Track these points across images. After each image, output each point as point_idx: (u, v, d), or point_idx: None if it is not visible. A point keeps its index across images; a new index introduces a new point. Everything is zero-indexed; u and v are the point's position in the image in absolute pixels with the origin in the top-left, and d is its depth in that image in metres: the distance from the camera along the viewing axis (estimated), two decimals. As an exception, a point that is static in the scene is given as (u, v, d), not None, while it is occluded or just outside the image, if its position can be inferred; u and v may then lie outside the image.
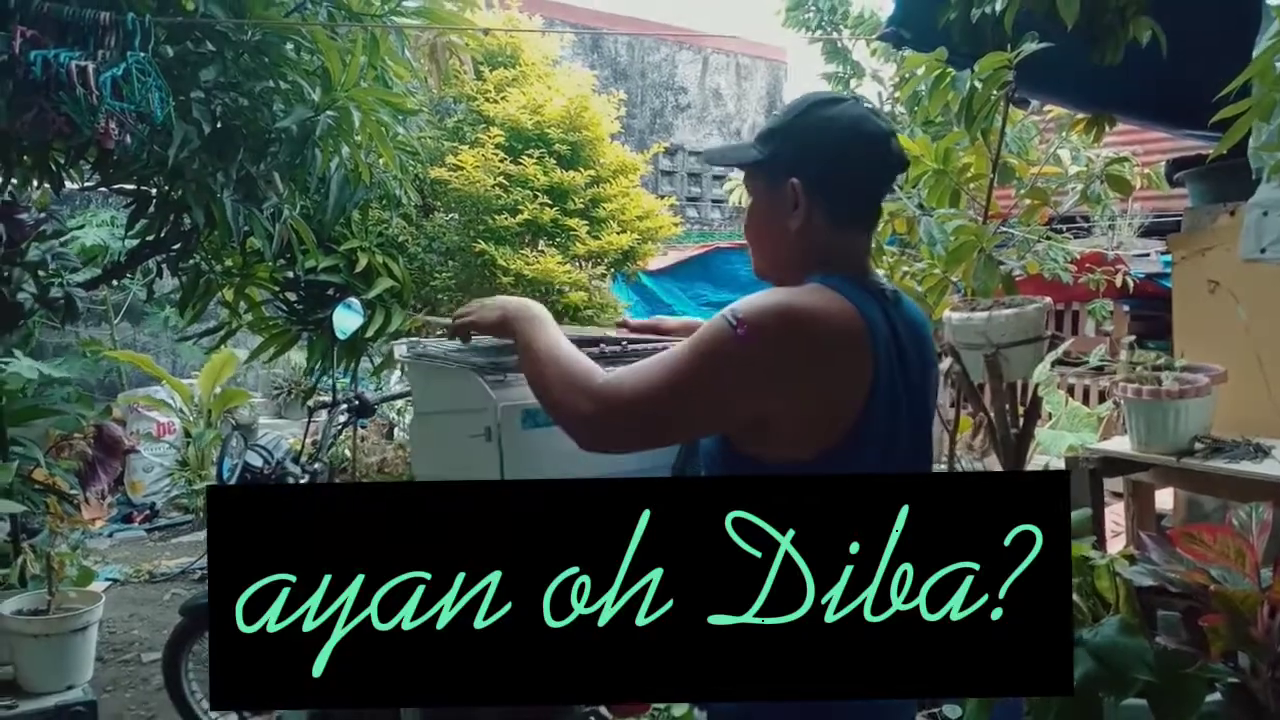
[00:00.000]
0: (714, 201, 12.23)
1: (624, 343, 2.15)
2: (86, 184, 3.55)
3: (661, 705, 3.27)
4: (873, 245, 1.67)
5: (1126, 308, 5.95)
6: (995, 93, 2.62)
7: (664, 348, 2.24)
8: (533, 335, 1.58)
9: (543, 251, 4.76)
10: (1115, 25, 2.55)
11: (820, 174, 1.47)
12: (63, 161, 3.33)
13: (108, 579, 5.55)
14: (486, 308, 1.69)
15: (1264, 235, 2.12)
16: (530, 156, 4.82)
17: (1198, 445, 2.29)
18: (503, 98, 5.05)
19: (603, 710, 2.29)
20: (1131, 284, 4.75)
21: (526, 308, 1.64)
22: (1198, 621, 1.80)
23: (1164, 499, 2.90)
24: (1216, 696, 1.84)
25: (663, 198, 5.77)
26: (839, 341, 1.37)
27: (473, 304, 1.75)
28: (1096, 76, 2.68)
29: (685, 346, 1.37)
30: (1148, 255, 5.29)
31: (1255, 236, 2.13)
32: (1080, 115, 3.23)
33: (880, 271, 2.85)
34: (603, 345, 2.11)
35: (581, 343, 2.10)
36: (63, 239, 3.69)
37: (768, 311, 1.35)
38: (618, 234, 4.99)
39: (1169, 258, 2.84)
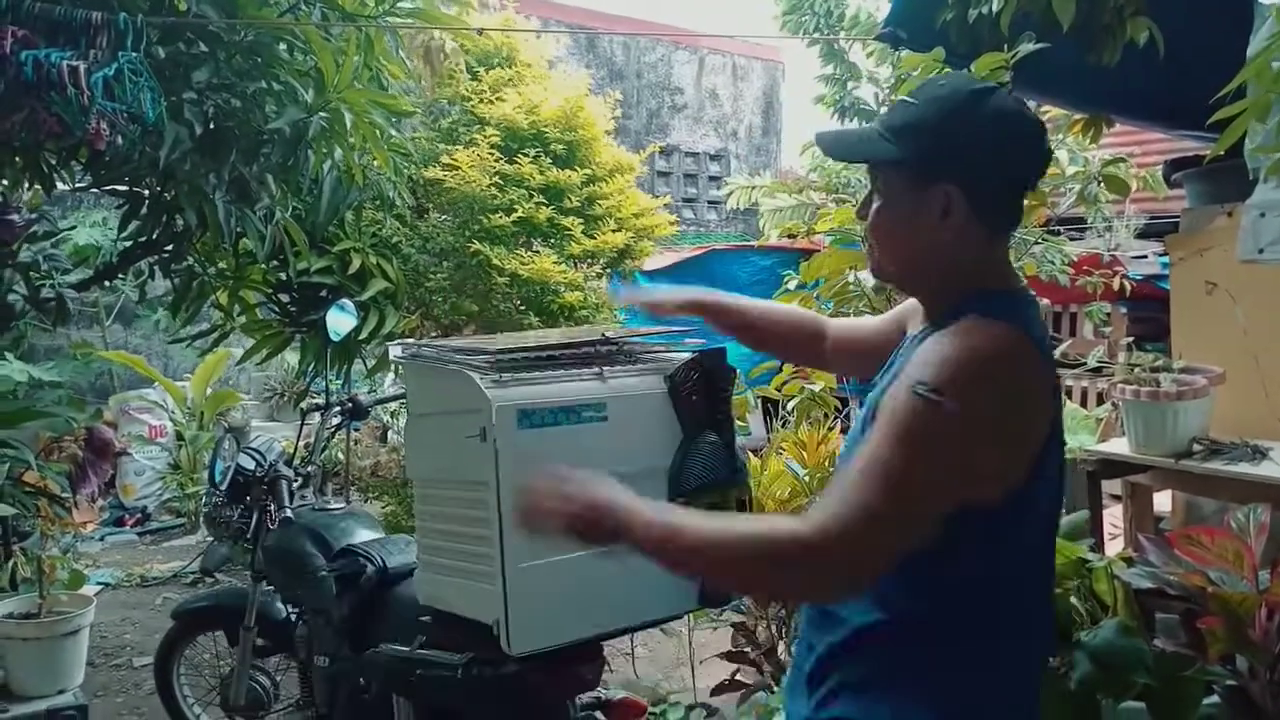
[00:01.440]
0: (710, 203, 12.22)
1: (619, 342, 2.14)
2: (78, 185, 3.52)
3: (656, 710, 3.26)
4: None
5: (1124, 310, 5.95)
6: (992, 93, 2.61)
7: (665, 349, 2.24)
8: (673, 526, 1.27)
9: (538, 251, 4.74)
10: (1113, 26, 2.55)
11: (982, 182, 1.33)
12: (54, 162, 3.31)
13: (99, 583, 5.51)
14: (584, 509, 1.31)
15: (1261, 236, 2.11)
16: (526, 156, 4.81)
17: (1196, 447, 2.29)
18: (498, 98, 5.04)
19: (598, 715, 2.28)
20: (1129, 286, 4.75)
21: (622, 507, 1.29)
22: (1196, 624, 1.80)
23: (1162, 501, 2.89)
24: (1214, 699, 1.84)
25: (658, 198, 5.76)
26: (1033, 385, 1.28)
27: (547, 499, 1.33)
28: (1094, 77, 2.67)
29: (888, 442, 1.21)
30: (1145, 257, 5.28)
31: (1253, 237, 2.12)
32: (1078, 116, 3.22)
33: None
34: (598, 345, 2.10)
35: (576, 345, 2.09)
36: (54, 240, 3.67)
37: (963, 374, 1.22)
38: (613, 232, 4.98)
39: (1167, 259, 2.83)
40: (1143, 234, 5.39)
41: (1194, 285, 2.66)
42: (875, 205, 1.41)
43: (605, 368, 2.02)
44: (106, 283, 3.87)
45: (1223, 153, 1.98)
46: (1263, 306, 2.47)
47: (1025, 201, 2.47)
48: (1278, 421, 2.37)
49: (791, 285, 3.20)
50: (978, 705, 1.32)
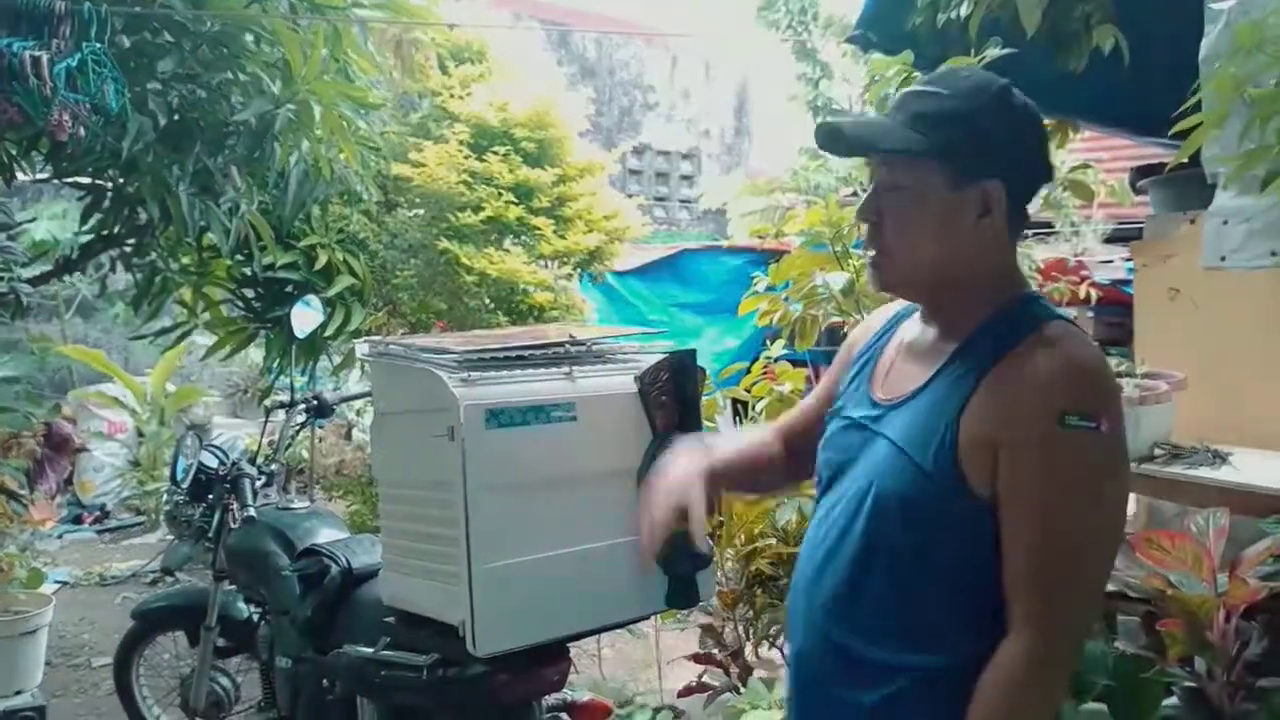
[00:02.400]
0: (681, 202, 12.24)
1: (588, 343, 2.14)
2: (39, 176, 3.46)
3: (622, 711, 3.26)
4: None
5: (1091, 314, 6.02)
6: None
7: (634, 349, 2.23)
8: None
9: (507, 250, 4.72)
10: (1079, 33, 2.57)
11: (1021, 180, 1.28)
12: (14, 153, 3.25)
13: (57, 581, 5.43)
14: None
15: (1224, 243, 2.14)
16: (495, 153, 4.78)
17: (1157, 451, 2.31)
18: (468, 94, 5.00)
19: (563, 717, 2.27)
20: (1096, 293, 4.80)
21: None
22: (1156, 626, 1.82)
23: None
24: (1174, 700, 1.86)
25: (631, 197, 5.75)
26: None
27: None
28: (1061, 83, 2.70)
29: (1064, 497, 1.14)
30: (1112, 262, 5.35)
31: (1215, 245, 2.15)
32: (1045, 121, 3.25)
33: (845, 275, 2.86)
34: (567, 346, 2.09)
35: (545, 345, 2.08)
36: (11, 232, 3.60)
37: (1101, 387, 1.19)
38: (584, 233, 4.97)
39: (1133, 264, 2.87)
40: (1110, 239, 5.46)
41: (1158, 291, 2.69)
42: (896, 207, 1.27)
43: (574, 368, 2.01)
44: (66, 277, 3.80)
45: (1186, 160, 2.01)
46: (1225, 313, 2.51)
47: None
48: (1238, 427, 2.41)
49: (760, 286, 3.21)
50: None
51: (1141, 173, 3.30)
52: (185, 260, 3.93)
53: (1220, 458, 2.24)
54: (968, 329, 1.27)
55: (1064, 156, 3.69)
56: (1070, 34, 2.58)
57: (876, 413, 1.33)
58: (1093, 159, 3.69)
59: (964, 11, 2.57)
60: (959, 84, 1.29)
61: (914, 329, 1.38)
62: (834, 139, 1.33)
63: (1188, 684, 1.82)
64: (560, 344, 2.07)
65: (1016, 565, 1.16)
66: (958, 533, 1.21)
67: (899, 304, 1.46)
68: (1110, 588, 1.89)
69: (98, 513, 7.03)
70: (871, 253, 1.31)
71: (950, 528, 1.21)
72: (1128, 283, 4.89)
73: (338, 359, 4.79)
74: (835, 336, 5.62)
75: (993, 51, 2.46)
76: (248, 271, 4.02)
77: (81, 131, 2.55)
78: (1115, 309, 5.40)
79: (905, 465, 1.23)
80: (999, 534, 1.18)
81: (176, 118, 2.96)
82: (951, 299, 1.30)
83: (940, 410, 1.22)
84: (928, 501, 1.21)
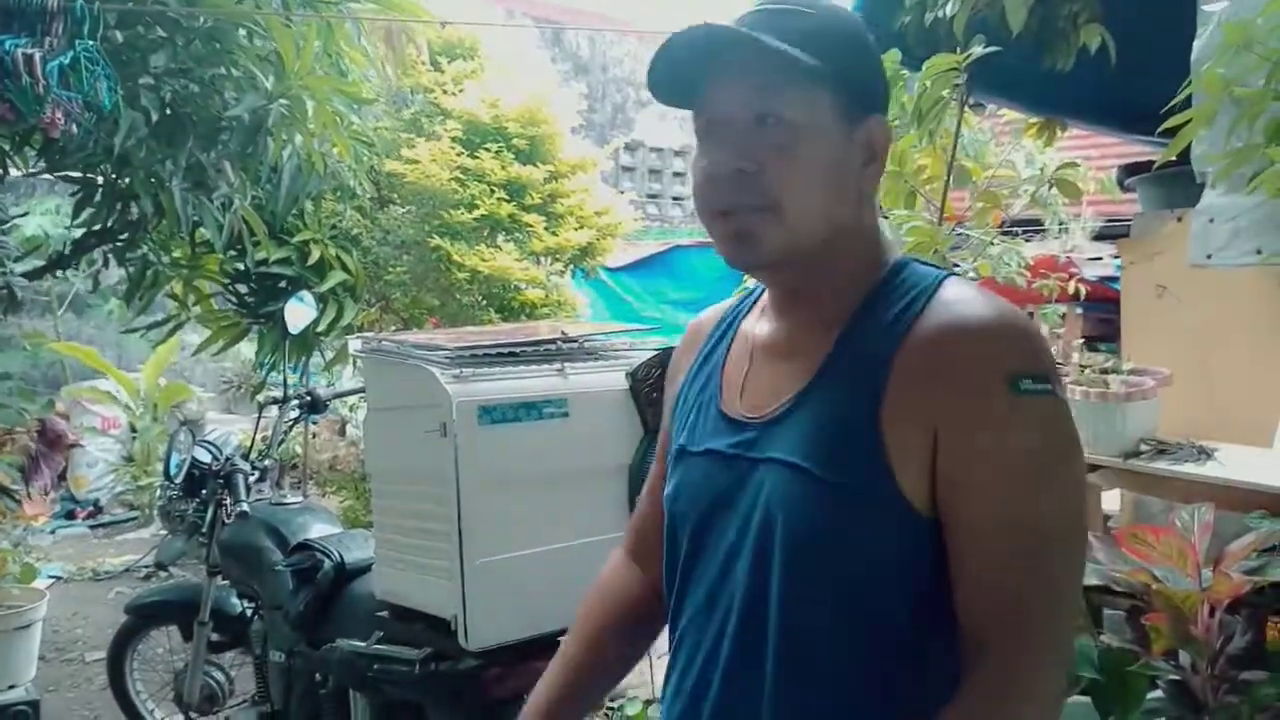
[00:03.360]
0: (674, 199, 12.23)
1: (579, 340, 2.15)
2: (31, 170, 3.46)
3: (614, 704, 3.27)
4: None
5: (1080, 311, 6.04)
6: (945, 94, 2.65)
7: (625, 346, 2.25)
8: None
9: (499, 247, 4.73)
10: (1066, 31, 2.59)
11: (885, 108, 1.05)
12: (6, 148, 3.25)
13: (50, 576, 5.42)
14: None
15: (1210, 242, 2.16)
16: (488, 150, 4.79)
17: (1143, 447, 2.33)
18: (460, 90, 5.01)
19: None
20: (1084, 289, 4.81)
21: None
22: (1141, 620, 1.84)
23: (1111, 500, 2.95)
24: (1158, 693, 1.88)
25: (623, 193, 5.76)
26: None
27: None
28: (1048, 81, 2.71)
29: (1028, 482, 0.89)
30: (1100, 259, 5.37)
31: (1202, 243, 2.17)
32: (1033, 119, 3.27)
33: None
34: (559, 342, 2.10)
35: (537, 343, 2.09)
36: (4, 227, 3.60)
37: (1039, 344, 0.94)
38: (576, 230, 4.98)
39: (1121, 261, 2.89)
40: (1099, 236, 5.48)
41: (1144, 289, 2.71)
42: (785, 148, 0.96)
43: (566, 364, 2.02)
44: (59, 272, 3.80)
45: (1173, 158, 2.03)
46: (1211, 311, 2.53)
47: (979, 204, 2.49)
48: (1223, 423, 2.43)
49: (751, 283, 3.21)
50: None
51: (1129, 171, 3.32)
52: (177, 253, 3.93)
53: (1205, 453, 2.26)
54: (846, 309, 1.00)
55: (1052, 154, 3.71)
56: (1057, 32, 2.60)
57: (748, 435, 1.03)
58: (1081, 156, 3.71)
59: (951, 10, 2.59)
60: (817, 2, 1.01)
61: (762, 326, 1.11)
62: (691, 55, 0.97)
63: (1172, 677, 1.84)
64: (552, 341, 2.09)
65: (975, 578, 0.90)
66: (908, 561, 0.93)
67: (718, 306, 1.24)
68: (1095, 582, 1.92)
69: (91, 508, 7.02)
70: (740, 215, 0.98)
71: (897, 558, 0.93)
72: (1116, 279, 4.91)
73: (330, 355, 4.80)
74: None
75: (978, 50, 2.48)
76: (240, 266, 4.03)
77: (74, 128, 2.55)
78: (1103, 305, 5.42)
79: (817, 489, 0.94)
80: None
81: (169, 113, 2.96)
82: (823, 273, 1.02)
83: (846, 411, 0.95)
84: (860, 528, 0.93)
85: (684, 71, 0.99)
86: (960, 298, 0.96)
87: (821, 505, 0.94)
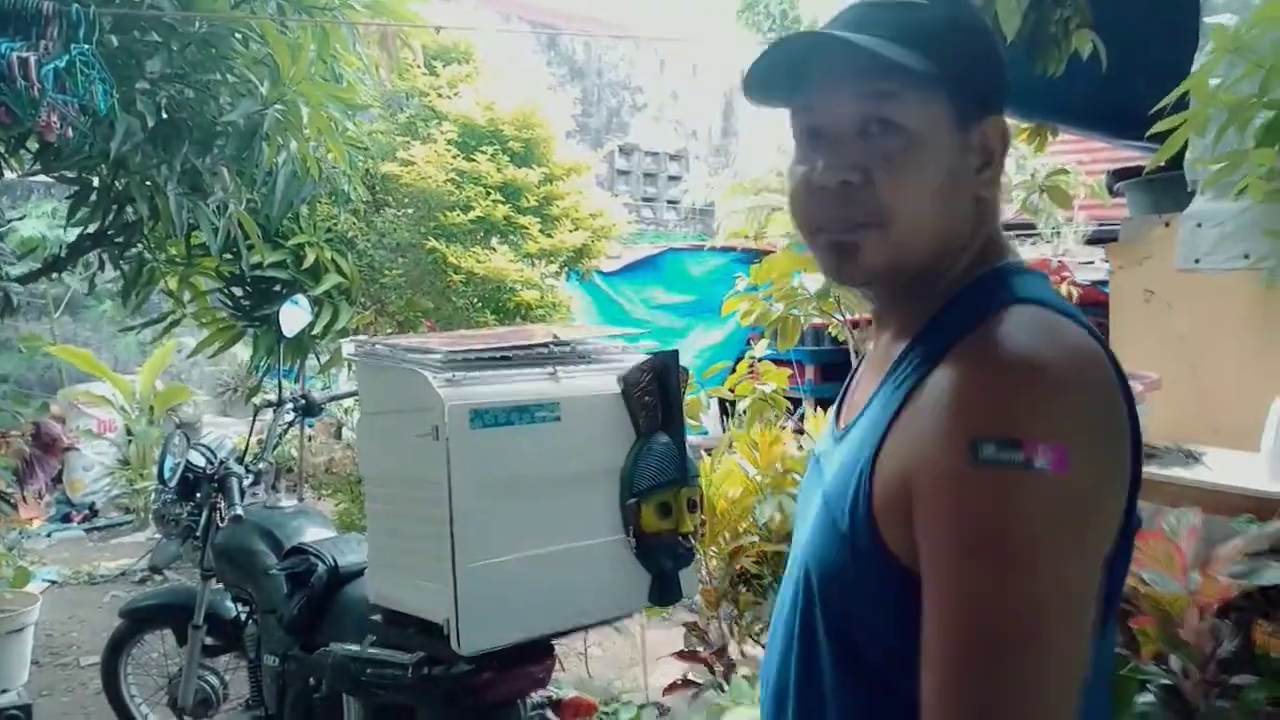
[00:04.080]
0: (669, 202, 12.25)
1: (572, 344, 2.16)
2: (27, 172, 3.46)
3: (607, 709, 3.28)
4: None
5: (1071, 314, 6.06)
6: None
7: (618, 350, 2.25)
8: None
9: (494, 249, 4.75)
10: (1058, 37, 2.60)
11: (1001, 110, 0.95)
12: (2, 151, 3.25)
13: (45, 580, 5.42)
14: None
15: (1198, 246, 2.17)
16: (483, 153, 4.80)
17: (1133, 451, 2.35)
18: (455, 94, 5.02)
19: (549, 714, 2.29)
20: (1076, 291, 4.83)
21: None
22: (1129, 624, 1.85)
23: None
24: (1148, 697, 1.89)
25: (617, 196, 5.78)
26: (1114, 396, 0.83)
27: None
28: (1039, 87, 2.73)
29: (973, 573, 0.75)
30: (1092, 263, 5.40)
31: (1190, 247, 2.18)
32: (1023, 125, 3.29)
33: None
34: (551, 345, 2.11)
35: (529, 346, 2.10)
36: (0, 230, 3.61)
37: (1034, 396, 0.77)
38: (570, 232, 4.99)
39: (1110, 266, 2.90)
40: (1091, 240, 5.51)
41: (1133, 293, 2.73)
42: (896, 157, 0.88)
43: (559, 368, 2.03)
44: (55, 275, 3.81)
45: (1162, 164, 2.04)
46: (1198, 315, 2.54)
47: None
48: (1211, 427, 2.44)
49: (742, 286, 3.24)
50: None
51: (1118, 176, 3.33)
52: (172, 251, 3.93)
53: (1193, 457, 2.27)
54: (922, 318, 0.93)
55: (1042, 159, 3.73)
56: (1049, 38, 2.61)
57: (828, 446, 1.01)
58: (1072, 161, 3.73)
59: (945, 16, 2.60)
60: None
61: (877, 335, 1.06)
62: (803, 56, 0.90)
63: (1162, 681, 1.85)
64: (544, 345, 2.10)
65: (925, 659, 0.78)
66: (894, 623, 0.83)
67: None
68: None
69: (86, 511, 7.02)
70: (847, 229, 0.90)
71: (888, 612, 0.84)
72: (1107, 283, 4.94)
73: (326, 358, 4.80)
74: (820, 337, 5.68)
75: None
76: (236, 270, 4.04)
77: (70, 132, 2.56)
78: (1094, 309, 5.44)
79: (827, 526, 0.90)
80: None
81: (165, 117, 2.96)
82: (924, 285, 0.94)
83: (858, 450, 0.89)
84: (856, 573, 0.87)
85: (780, 75, 0.92)
86: (990, 335, 0.82)
87: (829, 545, 0.89)
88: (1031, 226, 5.22)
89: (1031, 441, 0.74)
